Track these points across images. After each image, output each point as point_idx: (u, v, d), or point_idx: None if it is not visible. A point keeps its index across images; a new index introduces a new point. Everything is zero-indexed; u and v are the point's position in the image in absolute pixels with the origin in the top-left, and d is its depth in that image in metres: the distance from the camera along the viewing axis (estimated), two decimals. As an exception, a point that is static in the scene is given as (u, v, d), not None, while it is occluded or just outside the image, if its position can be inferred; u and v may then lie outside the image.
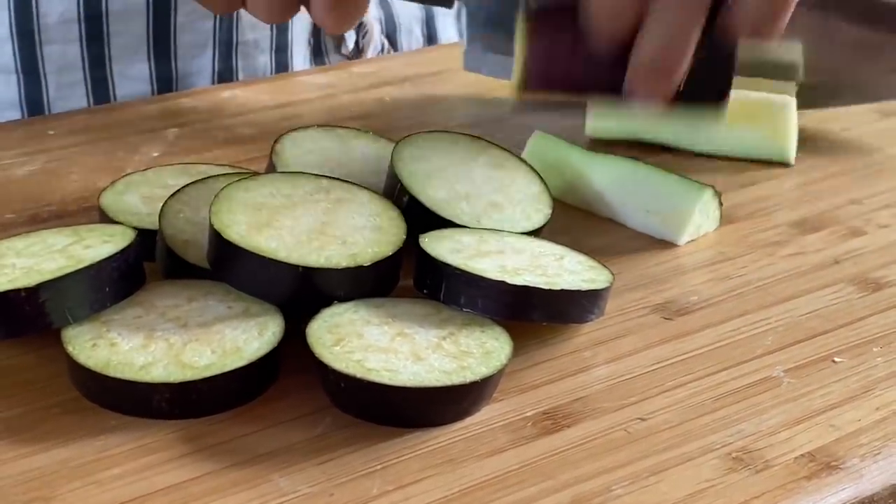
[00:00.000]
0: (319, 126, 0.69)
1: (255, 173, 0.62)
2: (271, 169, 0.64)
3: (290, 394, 0.53)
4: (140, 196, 0.63)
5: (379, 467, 0.49)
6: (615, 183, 0.68)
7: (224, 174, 0.62)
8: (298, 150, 0.66)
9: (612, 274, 0.58)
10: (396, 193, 0.61)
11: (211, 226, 0.55)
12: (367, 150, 0.67)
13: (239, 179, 0.58)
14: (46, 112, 0.85)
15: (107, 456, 0.49)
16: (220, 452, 0.49)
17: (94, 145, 0.76)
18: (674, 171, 0.68)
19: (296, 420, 0.51)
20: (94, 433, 0.50)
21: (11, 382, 0.53)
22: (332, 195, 0.59)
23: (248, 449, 0.50)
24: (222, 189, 0.57)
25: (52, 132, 0.77)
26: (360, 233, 0.57)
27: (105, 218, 0.61)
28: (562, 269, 0.57)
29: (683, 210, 0.66)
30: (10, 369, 0.54)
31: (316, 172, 0.61)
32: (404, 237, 0.57)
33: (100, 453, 0.49)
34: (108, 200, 0.63)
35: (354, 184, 0.60)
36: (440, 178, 0.63)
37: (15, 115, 0.85)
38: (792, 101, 0.74)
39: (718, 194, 0.67)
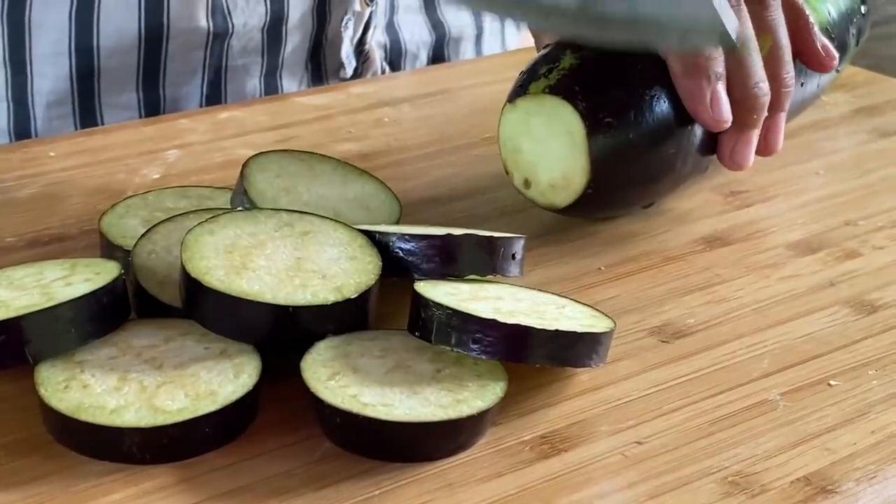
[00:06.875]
0: (282, 150, 0.68)
1: (222, 210, 0.60)
2: (241, 193, 0.63)
3: (289, 418, 0.53)
4: (140, 219, 0.63)
5: (377, 492, 0.49)
6: None
7: (194, 211, 0.62)
8: (265, 174, 0.65)
9: (614, 322, 0.57)
10: None
11: (187, 273, 0.53)
12: (333, 175, 0.67)
13: (202, 222, 0.57)
14: None
15: (106, 482, 0.49)
16: (219, 478, 0.49)
17: (94, 167, 0.76)
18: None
19: (294, 445, 0.51)
20: (93, 459, 0.50)
21: (8, 408, 0.53)
22: (297, 229, 0.58)
23: (247, 475, 0.50)
24: (187, 234, 0.55)
25: (52, 154, 0.77)
26: (337, 264, 0.56)
27: (105, 241, 0.62)
28: (561, 315, 0.56)
29: None
30: (5, 395, 0.54)
31: (280, 202, 0.60)
32: (380, 263, 0.56)
33: (99, 478, 0.49)
34: (109, 224, 0.63)
35: (316, 215, 0.59)
36: None
37: (3, 142, 0.85)
38: None
39: None
